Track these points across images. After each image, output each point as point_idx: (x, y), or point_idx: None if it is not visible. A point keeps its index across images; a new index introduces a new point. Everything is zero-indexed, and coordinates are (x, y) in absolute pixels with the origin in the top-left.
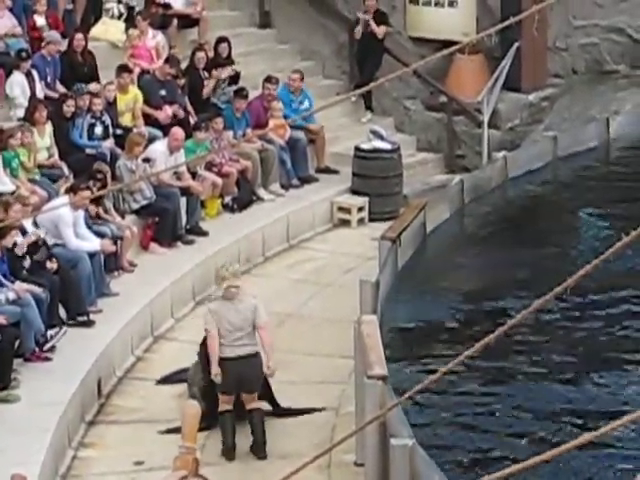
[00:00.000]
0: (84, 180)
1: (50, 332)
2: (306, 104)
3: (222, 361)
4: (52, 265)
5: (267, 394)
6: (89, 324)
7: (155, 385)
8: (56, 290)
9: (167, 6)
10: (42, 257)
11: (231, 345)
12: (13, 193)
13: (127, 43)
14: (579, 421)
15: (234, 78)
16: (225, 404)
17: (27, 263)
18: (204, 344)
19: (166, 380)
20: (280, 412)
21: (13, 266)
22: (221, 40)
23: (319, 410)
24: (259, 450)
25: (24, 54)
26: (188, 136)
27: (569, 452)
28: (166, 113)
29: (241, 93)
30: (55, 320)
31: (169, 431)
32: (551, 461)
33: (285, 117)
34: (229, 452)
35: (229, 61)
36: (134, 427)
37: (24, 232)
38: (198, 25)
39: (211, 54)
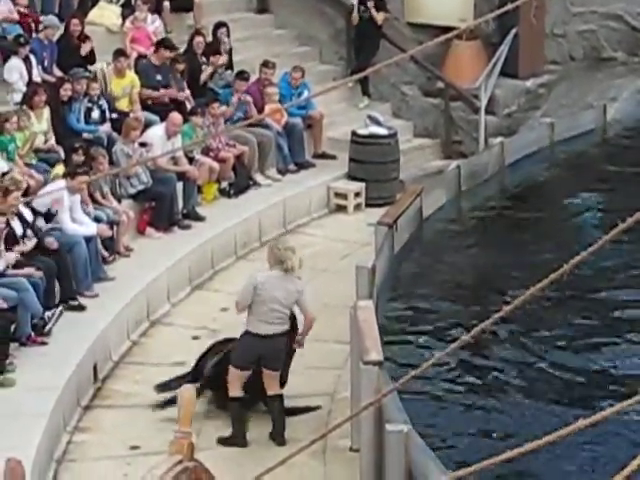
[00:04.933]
0: (69, 161)
1: (47, 314)
2: (305, 94)
3: (250, 336)
4: (51, 243)
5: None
6: (80, 308)
7: (155, 391)
8: (52, 274)
9: None
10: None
11: (266, 322)
12: (5, 174)
13: (128, 27)
14: (577, 405)
15: (230, 63)
16: (236, 386)
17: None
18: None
19: (165, 387)
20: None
21: (8, 248)
22: (220, 25)
23: (314, 409)
24: (278, 437)
25: (22, 39)
26: (185, 121)
27: (566, 437)
28: (168, 93)
29: (242, 75)
30: (52, 304)
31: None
32: (545, 446)
33: (281, 102)
34: (242, 439)
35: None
36: (130, 412)
37: (20, 216)
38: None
39: (210, 39)
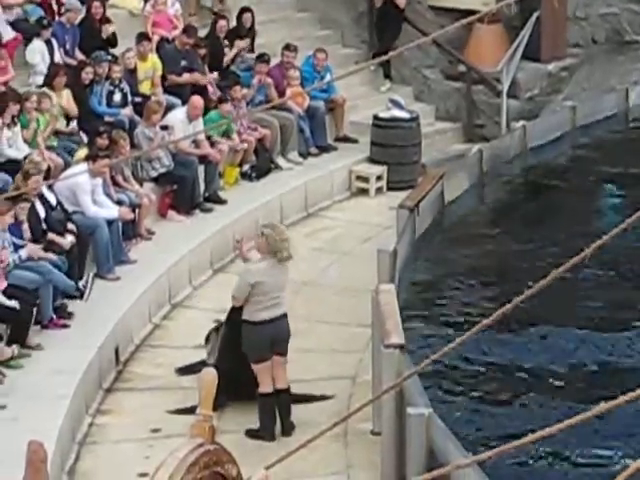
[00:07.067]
0: (91, 142)
1: (81, 283)
2: (327, 78)
3: (256, 325)
4: (70, 237)
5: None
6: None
7: (175, 375)
8: (74, 256)
9: None
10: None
11: (268, 308)
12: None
13: (148, 11)
14: (599, 390)
15: (252, 46)
16: (266, 382)
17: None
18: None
19: (186, 370)
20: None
21: (33, 235)
22: (245, 10)
23: (328, 398)
24: (287, 432)
25: (45, 22)
26: (206, 104)
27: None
28: (195, 78)
29: (263, 57)
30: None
31: (179, 411)
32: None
33: (303, 85)
34: (271, 435)
35: (252, 32)
36: (151, 394)
37: (42, 198)
38: None
39: (234, 24)
